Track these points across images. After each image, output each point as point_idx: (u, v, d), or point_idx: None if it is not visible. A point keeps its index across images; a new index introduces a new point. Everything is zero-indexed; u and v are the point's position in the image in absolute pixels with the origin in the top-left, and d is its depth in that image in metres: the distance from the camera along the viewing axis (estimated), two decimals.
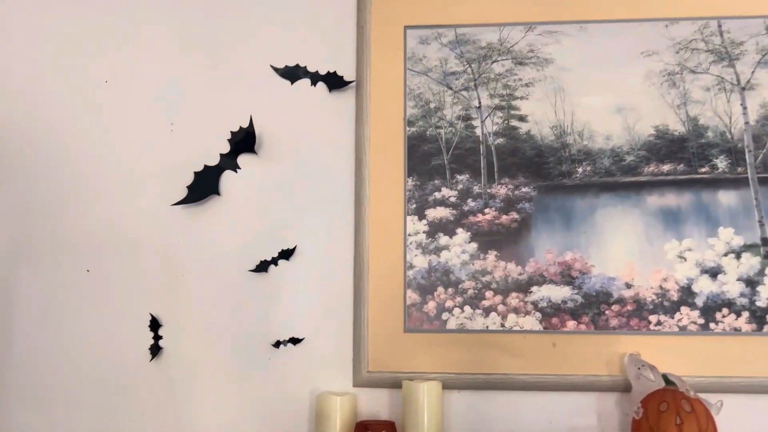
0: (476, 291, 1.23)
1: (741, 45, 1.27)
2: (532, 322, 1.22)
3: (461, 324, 1.23)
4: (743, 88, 1.25)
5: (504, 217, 1.25)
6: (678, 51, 1.28)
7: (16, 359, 1.30)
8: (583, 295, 1.21)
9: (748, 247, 1.20)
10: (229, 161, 1.31)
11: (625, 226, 1.23)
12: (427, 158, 1.29)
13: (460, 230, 1.26)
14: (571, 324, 1.21)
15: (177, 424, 1.26)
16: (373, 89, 1.31)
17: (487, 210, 1.26)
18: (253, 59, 1.35)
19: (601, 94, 1.28)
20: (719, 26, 1.27)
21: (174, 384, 1.27)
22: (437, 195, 1.27)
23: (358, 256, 1.26)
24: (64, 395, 1.28)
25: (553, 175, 1.26)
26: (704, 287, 1.20)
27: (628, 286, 1.21)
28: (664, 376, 1.11)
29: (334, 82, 1.32)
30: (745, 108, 1.25)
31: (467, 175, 1.27)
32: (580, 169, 1.26)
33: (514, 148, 1.28)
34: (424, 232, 1.26)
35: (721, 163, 1.23)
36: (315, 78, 1.33)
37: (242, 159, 1.31)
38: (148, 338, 1.28)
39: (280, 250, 1.28)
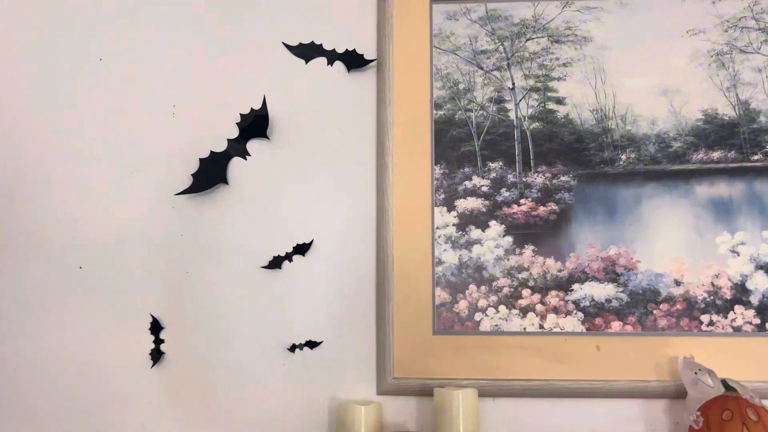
0: (512, 289, 1.13)
1: None
2: (573, 323, 1.11)
3: (496, 325, 1.12)
4: None
5: (541, 208, 1.15)
6: (726, 30, 1.18)
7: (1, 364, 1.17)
8: (629, 293, 1.11)
9: None
10: (237, 147, 1.19)
11: (673, 218, 1.13)
12: (457, 144, 1.18)
13: (493, 223, 1.15)
14: (616, 325, 1.11)
15: None
16: (397, 69, 1.20)
17: (522, 200, 1.15)
18: (264, 36, 1.23)
19: (644, 75, 1.18)
20: None
21: (177, 394, 1.15)
22: (468, 184, 1.16)
23: (381, 252, 1.15)
24: (54, 406, 1.16)
25: (594, 162, 1.16)
26: (759, 284, 1.10)
27: (678, 283, 1.11)
28: (723, 382, 1.01)
29: (353, 60, 1.20)
30: None
31: (500, 163, 1.17)
32: (623, 156, 1.16)
33: (551, 133, 1.17)
34: (453, 224, 1.15)
35: None
36: (332, 57, 1.21)
37: (252, 145, 1.19)
38: (149, 342, 1.15)
39: (294, 245, 1.16)
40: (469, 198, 1.16)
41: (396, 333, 1.13)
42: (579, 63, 1.19)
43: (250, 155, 1.19)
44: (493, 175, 1.16)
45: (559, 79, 1.18)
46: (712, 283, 1.11)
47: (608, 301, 1.11)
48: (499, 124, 1.18)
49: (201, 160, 1.18)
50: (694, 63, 1.18)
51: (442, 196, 1.16)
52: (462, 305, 1.13)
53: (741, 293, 1.10)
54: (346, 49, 1.21)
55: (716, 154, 1.15)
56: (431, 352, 1.12)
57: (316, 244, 1.17)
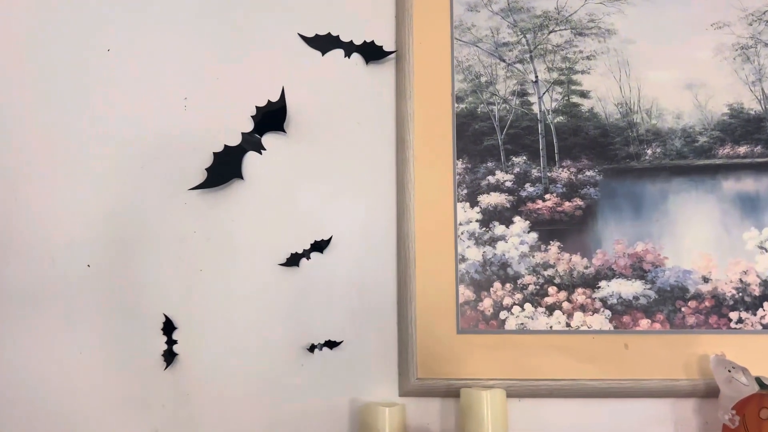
0: (538, 287, 1.10)
1: None
2: (601, 321, 1.09)
3: (522, 324, 1.09)
4: None
5: (567, 203, 1.12)
6: (751, 23, 1.17)
7: (1, 368, 1.12)
8: (657, 290, 1.09)
9: None
10: (253, 141, 1.15)
11: (699, 214, 1.11)
12: (479, 138, 1.15)
13: (517, 218, 1.12)
14: (644, 323, 1.08)
15: None
16: (417, 61, 1.16)
17: (547, 196, 1.13)
18: (278, 26, 1.19)
19: (668, 69, 1.16)
20: None
21: (191, 396, 1.10)
22: (491, 179, 1.13)
23: (402, 248, 1.11)
24: (62, 411, 1.10)
25: (619, 157, 1.13)
26: None
27: (706, 280, 1.09)
28: (758, 380, 0.99)
29: (372, 52, 1.17)
30: None
31: (524, 157, 1.14)
32: (649, 151, 1.13)
33: (575, 127, 1.15)
34: (477, 220, 1.12)
35: None
36: (349, 48, 1.18)
37: (268, 139, 1.15)
38: (161, 343, 1.11)
39: (312, 242, 1.12)
40: (492, 193, 1.13)
41: (419, 332, 1.09)
42: (603, 56, 1.16)
43: (265, 149, 1.15)
44: (516, 169, 1.14)
45: (582, 72, 1.16)
46: (740, 279, 1.09)
47: (636, 298, 1.09)
48: (522, 118, 1.15)
49: (215, 154, 1.14)
50: (718, 57, 1.16)
51: (465, 191, 1.13)
52: (486, 303, 1.10)
53: None
54: (364, 41, 1.17)
55: (742, 149, 1.13)
56: (455, 351, 1.09)
57: (334, 241, 1.13)
